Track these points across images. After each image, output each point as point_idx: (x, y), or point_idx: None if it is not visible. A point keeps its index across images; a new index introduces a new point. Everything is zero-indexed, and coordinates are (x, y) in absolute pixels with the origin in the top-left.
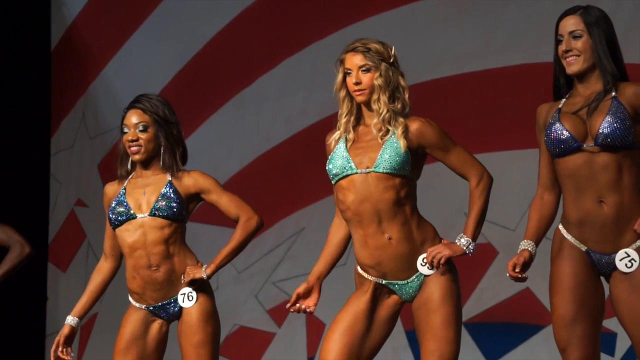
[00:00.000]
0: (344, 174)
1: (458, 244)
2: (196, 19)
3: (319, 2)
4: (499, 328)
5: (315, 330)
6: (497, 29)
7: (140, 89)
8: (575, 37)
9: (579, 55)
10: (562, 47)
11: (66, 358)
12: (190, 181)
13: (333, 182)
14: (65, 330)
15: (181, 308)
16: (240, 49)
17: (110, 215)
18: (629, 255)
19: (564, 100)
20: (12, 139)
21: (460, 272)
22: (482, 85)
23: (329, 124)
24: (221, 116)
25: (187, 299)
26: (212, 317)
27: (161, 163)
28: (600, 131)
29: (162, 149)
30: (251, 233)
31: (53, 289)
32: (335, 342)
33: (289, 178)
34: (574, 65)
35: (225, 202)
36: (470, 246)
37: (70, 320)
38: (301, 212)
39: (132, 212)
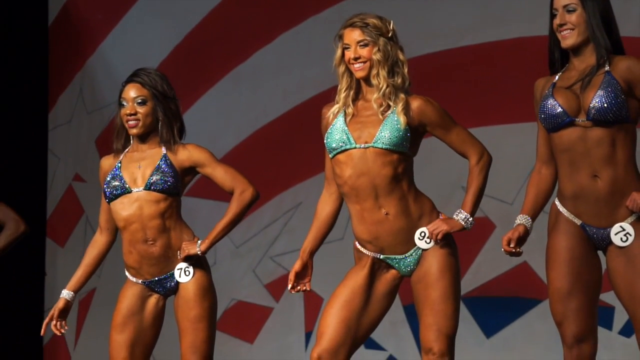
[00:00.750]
0: (343, 148)
1: (456, 218)
2: None
3: None
4: (497, 302)
5: (314, 304)
6: (493, 2)
7: (137, 64)
8: (569, 11)
9: (573, 29)
10: (557, 21)
11: (60, 332)
12: (185, 154)
13: (331, 155)
14: (60, 304)
15: (178, 283)
16: (237, 24)
17: (106, 189)
18: (624, 229)
19: (559, 74)
20: (10, 115)
21: (457, 246)
22: (479, 59)
23: (327, 98)
24: (218, 91)
25: (183, 274)
26: (208, 292)
27: (159, 137)
28: (592, 105)
29: (159, 123)
30: (246, 205)
31: (51, 264)
32: (333, 317)
33: (287, 152)
34: (568, 39)
35: (220, 174)
36: (468, 221)
37: (66, 294)
38: (298, 187)
39: (127, 186)
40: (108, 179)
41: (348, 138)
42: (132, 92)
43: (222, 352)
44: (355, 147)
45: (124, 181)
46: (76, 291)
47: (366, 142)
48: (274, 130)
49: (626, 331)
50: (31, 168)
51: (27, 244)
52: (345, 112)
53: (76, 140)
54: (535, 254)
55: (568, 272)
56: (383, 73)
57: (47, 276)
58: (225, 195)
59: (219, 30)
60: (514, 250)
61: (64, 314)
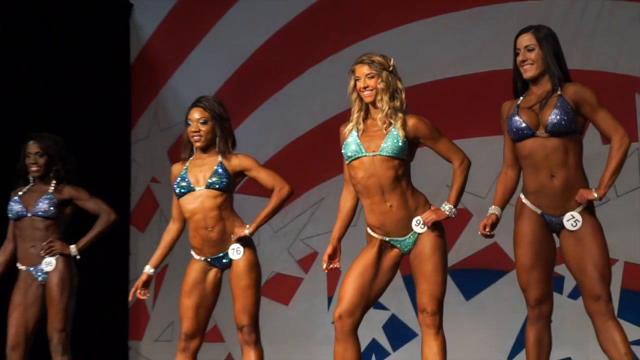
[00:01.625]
0: (356, 156)
1: (443, 210)
2: (241, 38)
3: (335, 24)
4: (474, 273)
5: (334, 276)
6: (469, 44)
7: (199, 92)
8: (529, 50)
9: (532, 64)
10: (519, 58)
11: (143, 297)
12: (237, 161)
13: (347, 162)
14: (143, 277)
15: (231, 260)
16: (274, 61)
17: (176, 188)
18: (574, 217)
19: (521, 98)
20: (102, 133)
21: (445, 230)
22: (459, 87)
23: (343, 118)
24: (260, 112)
25: (235, 252)
26: (255, 266)
27: (217, 149)
28: (549, 121)
29: (217, 138)
30: (284, 199)
31: (134, 245)
32: (350, 284)
33: (312, 159)
34: (529, 71)
35: (264, 176)
36: (452, 211)
37: (147, 269)
38: (322, 186)
39: (192, 185)
40: (177, 180)
41: (360, 148)
42: (196, 114)
43: (265, 312)
44: (365, 155)
45: (190, 182)
46: (155, 267)
47: (374, 151)
48: (303, 142)
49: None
50: (119, 173)
51: (116, 230)
52: (357, 128)
53: (152, 151)
54: (503, 236)
55: (531, 250)
56: (385, 98)
57: (130, 255)
58: (266, 193)
59: (261, 66)
60: (488, 233)
61: (146, 284)
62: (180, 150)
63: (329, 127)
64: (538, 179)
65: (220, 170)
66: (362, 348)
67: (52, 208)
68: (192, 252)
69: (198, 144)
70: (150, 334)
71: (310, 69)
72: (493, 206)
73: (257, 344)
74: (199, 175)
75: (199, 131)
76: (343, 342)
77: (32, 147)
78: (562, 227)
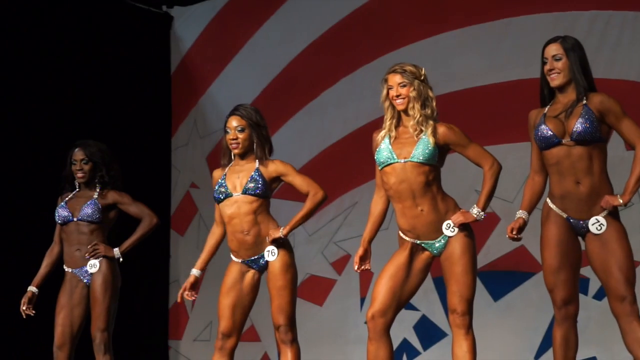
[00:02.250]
0: (388, 162)
1: (472, 212)
2: (277, 49)
3: (367, 35)
4: (502, 275)
5: (366, 277)
6: (497, 53)
7: (236, 101)
8: (556, 59)
9: (559, 73)
10: (547, 67)
11: (190, 299)
12: (273, 167)
13: (380, 168)
14: (190, 279)
15: (267, 261)
16: (309, 71)
17: (215, 194)
18: (599, 221)
19: (548, 106)
20: (144, 140)
21: (474, 234)
22: (487, 96)
23: (375, 125)
24: (296, 120)
25: (270, 254)
26: (290, 267)
27: (255, 155)
28: (575, 130)
29: (255, 145)
30: (318, 203)
31: (174, 248)
32: (382, 286)
33: (346, 165)
34: (555, 80)
35: (299, 181)
36: (480, 214)
37: (194, 272)
38: (355, 191)
39: (229, 191)
40: (216, 187)
41: (392, 155)
42: (234, 122)
43: (301, 312)
44: (397, 162)
45: (227, 188)
46: (202, 269)
47: (405, 158)
48: (336, 149)
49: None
50: (160, 178)
51: (157, 234)
52: (389, 135)
53: (192, 158)
54: (530, 239)
55: (557, 253)
56: (417, 106)
57: (171, 257)
58: (301, 197)
59: (296, 76)
60: (515, 236)
61: (193, 286)
62: (219, 156)
63: (362, 134)
64: (564, 185)
65: (256, 176)
66: (394, 348)
67: (96, 213)
68: (231, 254)
69: (236, 151)
70: (189, 334)
71: (344, 79)
72: (520, 210)
73: (294, 342)
74: (236, 182)
75: (236, 139)
76: (376, 342)
77: (78, 154)
78: (588, 230)
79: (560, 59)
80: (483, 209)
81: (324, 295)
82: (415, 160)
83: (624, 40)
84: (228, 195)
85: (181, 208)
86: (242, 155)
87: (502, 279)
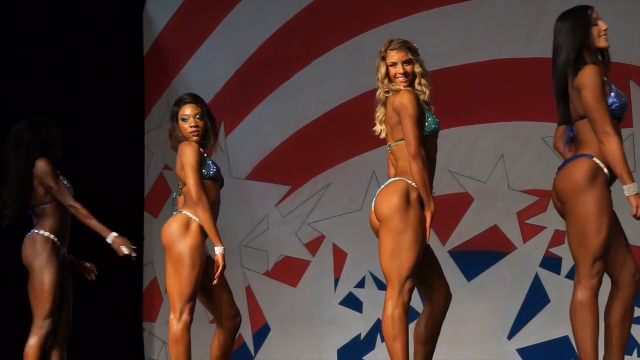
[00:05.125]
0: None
1: None
2: (249, 31)
3: (340, 16)
4: (475, 255)
5: (340, 259)
6: (470, 35)
7: (209, 84)
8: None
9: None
10: (603, 27)
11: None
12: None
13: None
14: (219, 258)
15: None
16: (282, 52)
17: (216, 172)
18: None
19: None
20: (116, 122)
21: (445, 215)
22: (460, 76)
23: (349, 106)
24: (269, 102)
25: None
26: None
27: (207, 145)
28: None
29: (209, 134)
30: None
31: (148, 230)
32: None
33: (319, 147)
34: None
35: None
36: None
37: (220, 250)
38: (328, 172)
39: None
40: (214, 166)
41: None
42: (191, 110)
43: (275, 293)
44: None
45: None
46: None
47: None
48: (310, 131)
49: (572, 275)
50: (133, 161)
51: (130, 216)
52: None
53: (165, 140)
54: (503, 219)
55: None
56: (424, 82)
57: (145, 239)
58: (274, 179)
59: (269, 57)
60: None
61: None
62: None
63: (336, 115)
64: None
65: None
66: (368, 329)
67: None
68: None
69: (195, 139)
70: (163, 316)
71: (317, 60)
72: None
73: None
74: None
75: (197, 126)
76: None
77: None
78: None
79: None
80: None
81: (298, 276)
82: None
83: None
84: (222, 180)
85: (155, 190)
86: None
87: (475, 259)
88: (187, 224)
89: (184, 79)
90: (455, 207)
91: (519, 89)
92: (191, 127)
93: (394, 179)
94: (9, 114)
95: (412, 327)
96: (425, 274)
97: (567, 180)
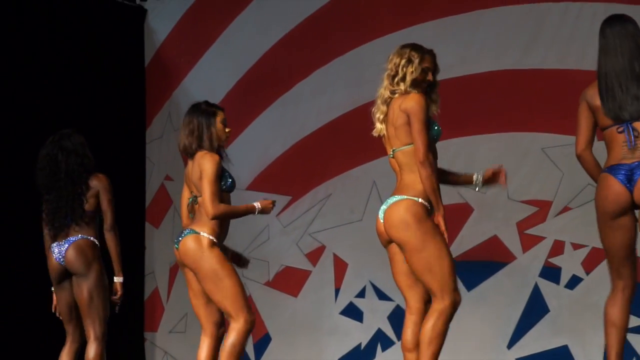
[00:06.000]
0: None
1: None
2: (250, 41)
3: (340, 28)
4: (475, 265)
5: (340, 269)
6: (469, 47)
7: (210, 94)
8: None
9: None
10: None
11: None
12: None
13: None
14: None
15: None
16: (283, 63)
17: (233, 184)
18: None
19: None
20: (118, 132)
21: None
22: (460, 87)
23: (349, 117)
24: (270, 112)
25: None
26: None
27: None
28: None
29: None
30: None
31: (149, 240)
32: None
33: (319, 157)
34: None
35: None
36: None
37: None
38: (329, 182)
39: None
40: (230, 177)
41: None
42: (225, 117)
43: (275, 303)
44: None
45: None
46: None
47: None
48: (310, 141)
49: (570, 285)
50: (134, 171)
51: (132, 226)
52: None
53: (166, 150)
54: (502, 229)
55: None
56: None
57: (146, 249)
58: (275, 189)
59: (270, 68)
60: None
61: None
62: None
63: (336, 125)
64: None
65: None
66: (368, 338)
67: None
68: (217, 242)
69: (223, 145)
70: (165, 326)
71: (317, 71)
72: None
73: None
74: None
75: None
76: None
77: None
78: None
79: None
80: None
81: (299, 286)
82: None
83: (594, 32)
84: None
85: (156, 201)
86: None
87: (475, 269)
88: (200, 241)
89: (184, 89)
90: (455, 217)
91: (518, 100)
92: (227, 131)
93: (398, 198)
94: (15, 123)
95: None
96: (399, 281)
97: None
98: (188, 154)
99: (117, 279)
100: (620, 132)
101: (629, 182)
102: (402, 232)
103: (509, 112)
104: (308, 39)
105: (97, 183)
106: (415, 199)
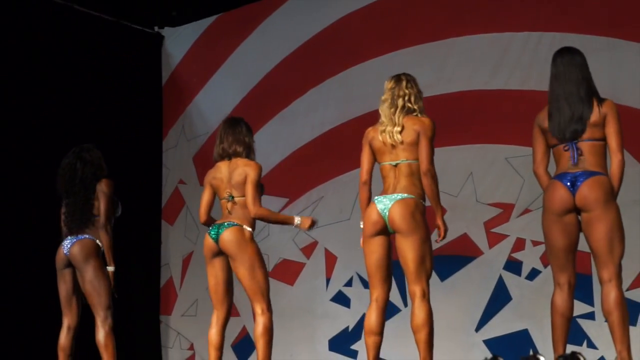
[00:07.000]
0: None
1: None
2: (255, 63)
3: (332, 52)
4: (447, 259)
5: (330, 261)
6: (443, 69)
7: (218, 110)
8: None
9: None
10: None
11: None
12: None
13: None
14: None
15: None
16: (281, 83)
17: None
18: None
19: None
20: (139, 143)
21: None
22: (435, 105)
23: (339, 130)
24: (270, 126)
25: None
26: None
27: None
28: None
29: None
30: None
31: (165, 236)
32: None
33: (313, 165)
34: None
35: None
36: None
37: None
38: (321, 186)
39: None
40: None
41: None
42: None
43: (274, 291)
44: None
45: None
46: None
47: None
48: (305, 151)
49: (530, 277)
50: (152, 176)
51: (149, 223)
52: None
53: (180, 158)
54: (471, 227)
55: None
56: None
57: (162, 244)
58: (278, 192)
59: (271, 87)
60: None
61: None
62: (204, 156)
63: (328, 138)
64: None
65: None
66: (355, 322)
67: None
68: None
69: None
70: (178, 310)
71: (312, 89)
72: None
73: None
74: None
75: None
76: None
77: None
78: None
79: None
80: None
81: (295, 276)
82: None
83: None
84: None
85: (171, 201)
86: None
87: (448, 262)
88: (242, 232)
89: (196, 105)
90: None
91: (486, 116)
92: None
93: (407, 196)
94: (52, 135)
95: (389, 323)
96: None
97: (597, 191)
98: (226, 158)
99: (109, 268)
100: (566, 150)
101: (573, 186)
102: (411, 225)
103: (477, 126)
104: (304, 62)
105: (99, 187)
106: (418, 198)
